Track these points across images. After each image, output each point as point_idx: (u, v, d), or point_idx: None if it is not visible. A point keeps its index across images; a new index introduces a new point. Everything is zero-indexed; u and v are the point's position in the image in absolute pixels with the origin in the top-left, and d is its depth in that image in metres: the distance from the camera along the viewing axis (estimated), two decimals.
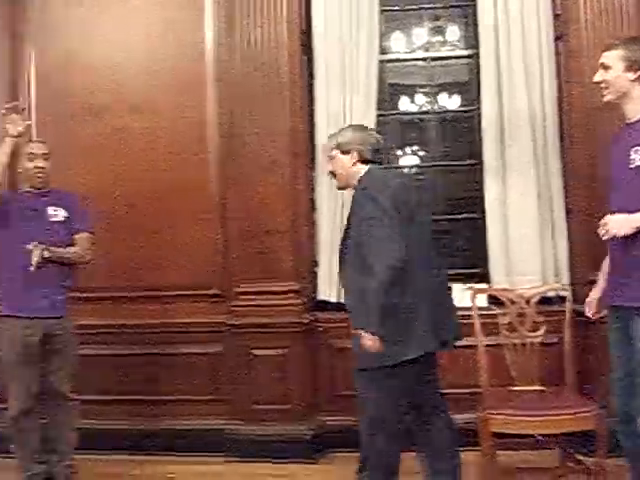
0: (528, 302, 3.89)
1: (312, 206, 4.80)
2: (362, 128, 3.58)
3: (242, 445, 4.51)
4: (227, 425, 4.62)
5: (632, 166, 2.97)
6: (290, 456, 4.39)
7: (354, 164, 3.41)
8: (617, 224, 2.89)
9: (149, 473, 4.39)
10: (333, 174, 3.52)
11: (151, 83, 4.93)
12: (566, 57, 4.55)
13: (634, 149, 2.97)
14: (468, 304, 4.06)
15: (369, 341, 3.06)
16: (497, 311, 3.96)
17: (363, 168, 3.40)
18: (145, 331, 4.79)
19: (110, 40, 4.99)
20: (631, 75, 3.02)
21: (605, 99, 3.16)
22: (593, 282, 3.42)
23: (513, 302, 3.91)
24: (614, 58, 3.05)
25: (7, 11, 5.10)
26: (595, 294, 3.35)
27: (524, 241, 4.51)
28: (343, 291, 3.60)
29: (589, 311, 3.37)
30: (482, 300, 4.29)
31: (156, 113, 4.90)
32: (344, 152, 3.42)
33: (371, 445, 3.28)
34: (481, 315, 3.91)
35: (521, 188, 4.53)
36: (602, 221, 2.94)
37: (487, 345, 3.88)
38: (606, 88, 3.11)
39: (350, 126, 3.67)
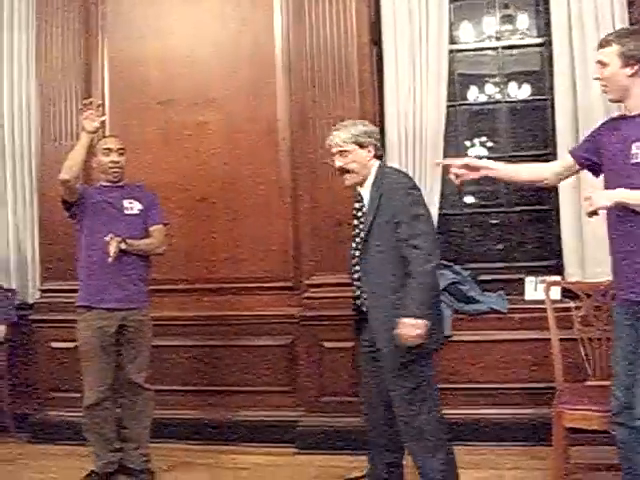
0: (604, 295, 3.79)
1: None
2: (366, 122, 3.53)
3: (312, 436, 4.55)
4: (298, 416, 4.66)
5: (633, 161, 2.91)
6: (359, 448, 4.39)
7: (370, 159, 3.38)
8: (600, 197, 2.82)
9: (222, 463, 4.45)
10: (343, 170, 3.41)
11: (223, 75, 4.96)
12: None
13: (635, 144, 2.91)
14: (541, 297, 4.01)
15: (417, 328, 3.06)
16: (571, 304, 3.90)
17: (374, 164, 3.38)
18: (218, 322, 4.85)
19: (183, 33, 5.03)
20: (629, 71, 2.95)
21: (608, 97, 3.13)
22: None
23: (588, 295, 3.83)
24: (610, 55, 2.98)
25: (81, 4, 5.16)
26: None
27: (599, 232, 4.39)
28: (367, 285, 3.42)
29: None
30: (556, 293, 4.24)
31: (229, 105, 4.94)
32: (362, 146, 3.36)
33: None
34: (555, 308, 3.87)
35: (595, 178, 4.42)
36: (585, 195, 2.89)
37: (561, 339, 3.83)
38: (606, 86, 3.05)
39: (353, 121, 3.56)
